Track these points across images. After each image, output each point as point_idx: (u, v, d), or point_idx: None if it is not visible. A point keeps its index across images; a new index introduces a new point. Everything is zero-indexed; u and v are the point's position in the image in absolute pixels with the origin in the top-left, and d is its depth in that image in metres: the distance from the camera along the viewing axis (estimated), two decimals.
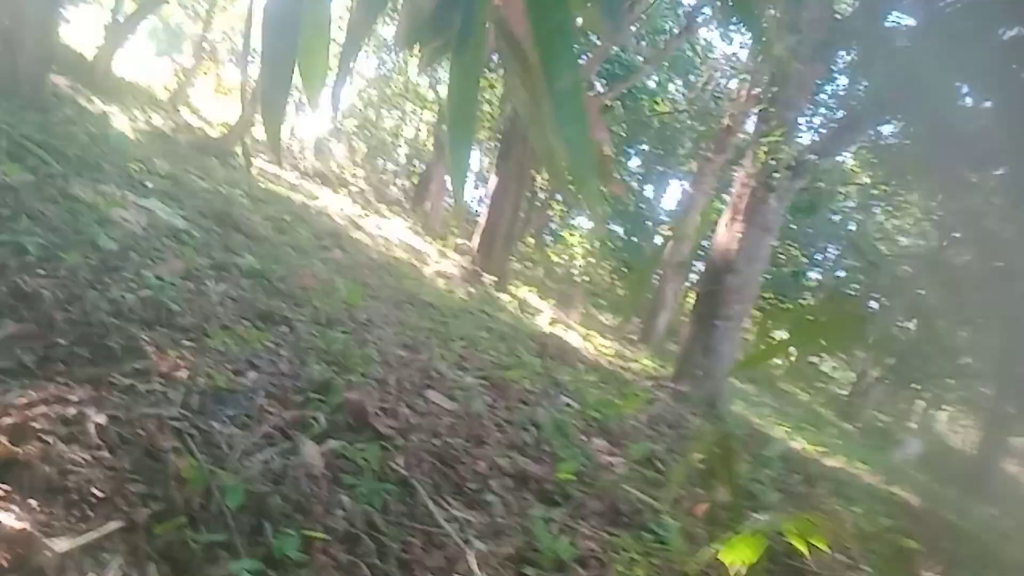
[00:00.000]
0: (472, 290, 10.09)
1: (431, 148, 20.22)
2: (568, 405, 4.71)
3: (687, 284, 20.74)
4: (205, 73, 18.38)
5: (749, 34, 14.54)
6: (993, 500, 11.23)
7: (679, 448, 4.70)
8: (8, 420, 1.79)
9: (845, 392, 24.73)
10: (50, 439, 1.79)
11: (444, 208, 18.60)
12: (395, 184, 24.28)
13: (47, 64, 6.17)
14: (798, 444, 8.42)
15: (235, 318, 3.58)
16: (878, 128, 15.32)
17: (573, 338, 9.62)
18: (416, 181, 22.14)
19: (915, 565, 4.21)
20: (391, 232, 13.02)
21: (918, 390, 24.61)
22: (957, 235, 18.58)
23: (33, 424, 1.82)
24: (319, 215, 10.81)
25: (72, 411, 1.93)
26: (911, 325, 25.20)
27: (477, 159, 25.65)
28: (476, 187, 24.42)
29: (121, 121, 9.13)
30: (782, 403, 14.70)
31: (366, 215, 13.33)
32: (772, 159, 6.87)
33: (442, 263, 11.75)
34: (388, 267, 8.59)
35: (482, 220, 11.97)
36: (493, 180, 11.90)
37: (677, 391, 7.22)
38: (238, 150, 13.51)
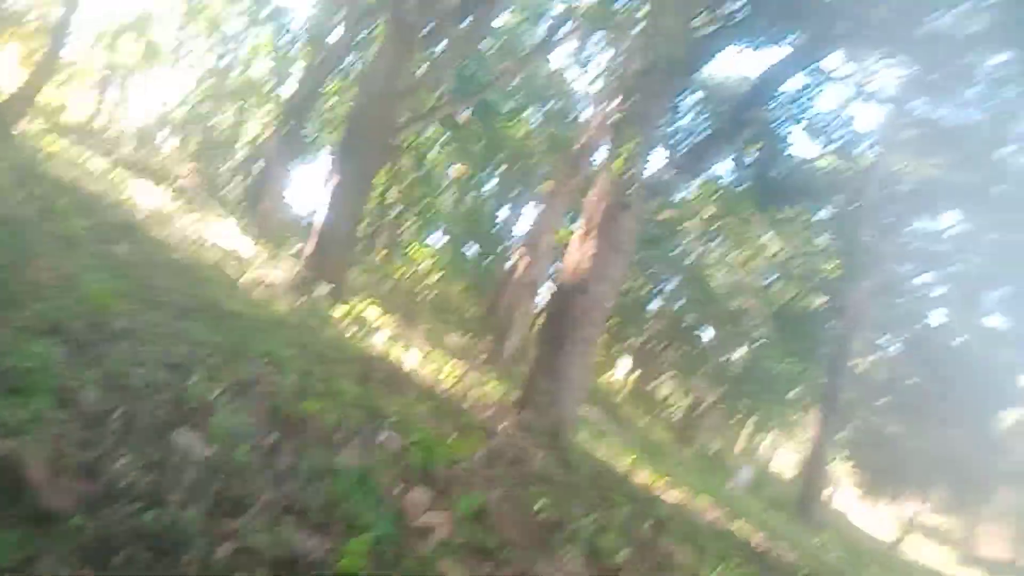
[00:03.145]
0: (300, 301, 8.84)
1: (272, 146, 18.47)
2: (385, 445, 3.79)
3: (537, 306, 20.51)
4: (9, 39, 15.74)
5: (606, 56, 14.65)
6: (816, 527, 11.72)
7: (519, 494, 3.93)
8: None
9: (680, 416, 25.73)
10: None
11: (283, 211, 16.94)
12: (231, 183, 22.05)
13: None
14: (643, 476, 8.05)
15: None
16: (718, 164, 16.03)
17: (412, 358, 8.66)
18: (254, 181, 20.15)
19: None
20: (212, 232, 11.37)
21: (746, 416, 26.21)
22: (784, 274, 20.01)
23: None
24: (114, 206, 9.07)
25: None
26: (741, 355, 26.92)
27: (325, 162, 24.09)
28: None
29: None
30: (624, 429, 14.63)
31: (180, 212, 11.58)
32: (628, 171, 6.41)
33: (268, 269, 10.34)
34: (190, 269, 7.19)
35: (317, 223, 10.69)
36: (334, 180, 10.70)
37: (521, 420, 6.49)
38: (23, 124, 11.31)
